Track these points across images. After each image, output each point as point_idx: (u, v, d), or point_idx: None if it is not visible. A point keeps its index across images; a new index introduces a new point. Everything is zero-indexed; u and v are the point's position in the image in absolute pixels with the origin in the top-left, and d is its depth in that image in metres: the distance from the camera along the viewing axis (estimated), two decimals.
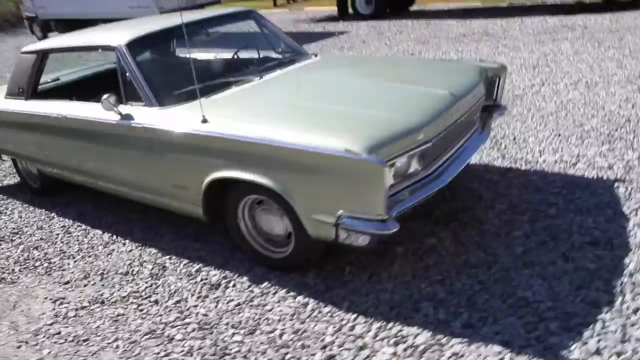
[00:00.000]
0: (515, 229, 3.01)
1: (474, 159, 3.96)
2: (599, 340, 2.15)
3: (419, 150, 2.54)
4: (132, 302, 2.82)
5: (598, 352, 2.09)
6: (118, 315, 2.72)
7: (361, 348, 2.28)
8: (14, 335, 2.70)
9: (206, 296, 2.80)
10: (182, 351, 2.39)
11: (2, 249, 3.61)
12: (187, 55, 4.24)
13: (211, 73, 3.49)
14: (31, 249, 3.54)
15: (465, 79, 3.12)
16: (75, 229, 3.76)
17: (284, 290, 2.74)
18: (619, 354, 2.05)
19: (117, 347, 2.47)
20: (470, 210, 3.26)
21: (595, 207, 3.10)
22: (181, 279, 2.99)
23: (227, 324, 2.54)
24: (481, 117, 3.41)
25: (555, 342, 2.16)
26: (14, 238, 3.74)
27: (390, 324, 2.39)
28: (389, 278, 2.73)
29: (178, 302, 2.78)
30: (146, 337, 2.51)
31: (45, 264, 3.32)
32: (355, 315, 2.49)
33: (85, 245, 3.52)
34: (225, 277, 2.94)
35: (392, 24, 10.53)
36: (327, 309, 2.57)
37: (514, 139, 4.22)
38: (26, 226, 3.89)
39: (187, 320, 2.61)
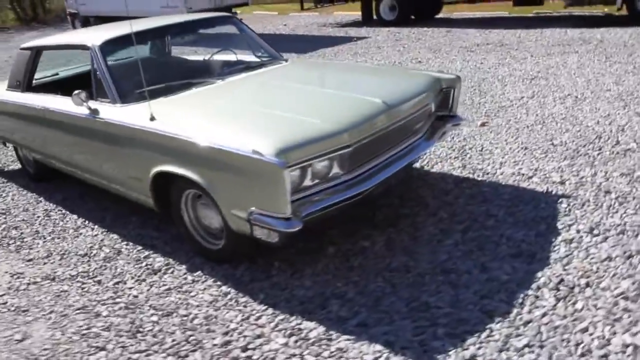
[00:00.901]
0: (447, 237, 3.08)
1: (435, 167, 4.04)
2: (479, 348, 2.22)
3: (337, 155, 2.67)
4: (78, 281, 3.07)
5: (473, 358, 2.17)
6: (61, 292, 2.97)
7: (258, 336, 2.43)
8: None
9: (144, 280, 3.02)
10: (102, 326, 2.60)
11: None
12: (157, 57, 4.54)
13: (178, 74, 3.70)
14: (11, 228, 3.87)
15: (407, 88, 3.22)
16: (56, 212, 4.08)
17: (212, 280, 2.93)
18: None
19: (49, 318, 2.72)
20: (411, 217, 3.35)
21: (532, 221, 3.13)
22: (129, 263, 3.22)
23: (150, 305, 2.75)
24: (434, 126, 3.50)
25: (436, 345, 2.25)
26: (7, 218, 4.10)
27: (293, 317, 2.53)
28: (311, 275, 2.87)
29: (117, 283, 3.01)
30: (77, 311, 2.75)
31: (18, 243, 3.63)
32: (266, 307, 2.65)
33: (58, 227, 3.82)
34: (167, 264, 3.15)
35: (413, 31, 10.55)
36: (243, 299, 2.73)
37: (481, 149, 4.25)
38: (14, 208, 4.24)
39: (117, 300, 2.83)
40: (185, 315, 2.64)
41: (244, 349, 2.36)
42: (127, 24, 4.27)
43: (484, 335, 2.28)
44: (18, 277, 3.17)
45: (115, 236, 3.59)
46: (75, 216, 3.97)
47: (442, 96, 3.56)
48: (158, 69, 4.00)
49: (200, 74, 3.75)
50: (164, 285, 2.94)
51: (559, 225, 3.04)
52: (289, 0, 16.30)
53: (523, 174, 3.74)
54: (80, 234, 3.69)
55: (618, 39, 7.74)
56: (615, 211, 3.10)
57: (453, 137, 4.58)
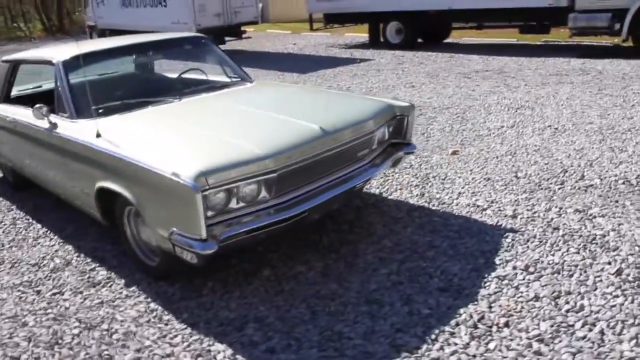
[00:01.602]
0: (384, 266, 3.05)
1: (394, 194, 4.02)
2: None
3: (263, 179, 2.69)
4: (19, 290, 3.13)
5: None
6: (6, 298, 3.05)
7: (168, 355, 2.44)
8: None
9: (81, 292, 3.06)
10: (24, 336, 2.65)
11: None
12: (125, 74, 4.63)
13: (138, 92, 3.79)
14: None
15: (352, 115, 3.23)
16: (22, 221, 4.18)
17: (144, 296, 2.95)
18: None
19: None
20: (355, 244, 3.33)
21: (472, 255, 3.07)
22: (74, 275, 3.27)
23: (77, 318, 2.78)
24: (386, 153, 3.50)
25: None
26: None
27: (207, 339, 2.53)
28: (238, 297, 2.87)
29: (55, 294, 3.06)
30: (6, 320, 2.80)
31: None
32: (186, 326, 2.66)
33: (20, 236, 3.91)
34: (108, 278, 3.19)
35: (417, 55, 10.57)
36: (167, 317, 2.75)
37: (444, 178, 4.21)
38: None
39: (49, 311, 2.88)
40: (106, 330, 2.67)
41: None
42: (100, 41, 4.41)
43: None
44: None
45: (70, 247, 3.66)
46: (39, 225, 4.07)
47: (396, 123, 3.57)
48: (123, 86, 4.11)
49: (162, 92, 3.82)
50: (98, 298, 2.98)
51: (497, 261, 2.98)
52: (304, 20, 16.52)
53: (478, 206, 3.69)
54: (39, 243, 3.77)
55: (618, 71, 7.61)
56: (557, 249, 3.03)
57: (420, 165, 4.56)
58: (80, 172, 3.29)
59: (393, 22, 11.54)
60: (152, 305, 2.86)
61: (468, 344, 2.36)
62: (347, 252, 3.25)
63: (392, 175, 4.37)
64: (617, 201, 3.53)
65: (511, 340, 2.35)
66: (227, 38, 13.14)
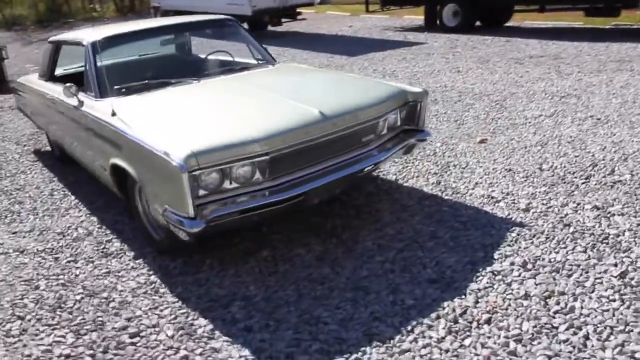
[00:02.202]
0: (380, 254, 3.02)
1: (410, 181, 3.94)
2: None
3: (256, 162, 2.73)
4: (40, 256, 3.38)
5: None
6: (21, 264, 3.29)
7: (154, 326, 2.56)
8: None
9: (93, 261, 3.26)
10: (33, 298, 2.87)
11: (2, 199, 4.47)
12: (144, 56, 4.77)
13: (162, 73, 3.91)
14: (16, 202, 4.31)
15: (356, 100, 3.18)
16: (59, 192, 4.49)
17: (147, 268, 3.10)
18: None
19: None
20: (357, 229, 3.31)
21: (472, 247, 2.97)
22: (91, 244, 3.49)
23: (83, 285, 2.98)
24: (398, 139, 3.43)
25: None
26: (13, 192, 4.58)
27: (193, 313, 2.64)
28: (233, 275, 2.95)
29: (70, 262, 3.27)
30: (22, 282, 3.04)
31: (14, 216, 4.04)
32: (177, 300, 2.77)
33: (54, 206, 4.20)
34: (120, 250, 3.38)
35: (472, 39, 10.14)
36: (163, 290, 2.88)
37: (465, 167, 4.06)
38: (29, 185, 4.71)
39: (60, 277, 3.09)
40: (105, 298, 2.84)
41: (134, 335, 2.50)
42: (129, 24, 4.58)
43: (352, 357, 2.25)
44: None
45: (95, 219, 3.89)
46: (73, 197, 4.35)
47: (408, 109, 3.48)
48: (148, 67, 4.26)
49: (185, 73, 3.92)
50: (106, 268, 3.17)
51: (496, 255, 2.86)
52: (363, 2, 16.30)
53: (492, 197, 3.54)
54: (68, 213, 4.04)
55: None
56: (563, 246, 2.86)
57: (444, 152, 4.43)
58: (99, 148, 3.48)
59: (450, 4, 11.11)
60: (153, 277, 3.01)
61: (443, 338, 2.30)
62: (348, 237, 3.24)
63: (413, 162, 4.29)
64: None
65: (488, 337, 2.28)
66: (283, 20, 13.23)
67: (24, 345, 2.48)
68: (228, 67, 4.07)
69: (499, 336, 2.27)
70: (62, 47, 4.61)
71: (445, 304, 2.52)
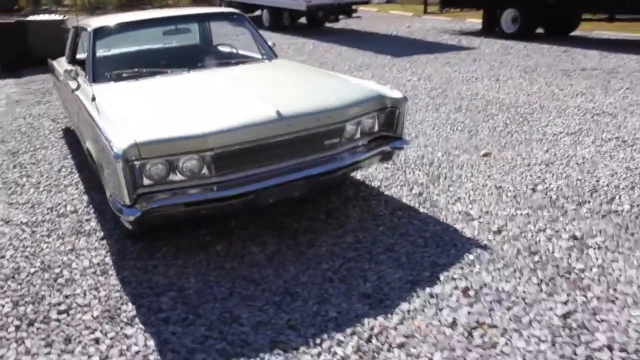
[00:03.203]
0: (328, 262, 2.93)
1: (393, 189, 3.78)
2: None
3: (201, 156, 2.72)
4: (20, 228, 3.57)
5: None
6: (0, 233, 3.51)
7: (85, 305, 2.63)
8: None
9: (63, 238, 3.39)
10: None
11: (15, 171, 4.77)
12: (148, 46, 4.86)
13: (154, 61, 4.01)
14: (25, 176, 4.56)
15: (322, 102, 3.09)
16: (67, 169, 4.71)
17: (107, 249, 3.18)
18: None
19: None
20: (318, 234, 3.23)
21: (421, 266, 2.80)
22: (71, 222, 3.63)
23: (43, 260, 3.10)
24: (371, 145, 3.30)
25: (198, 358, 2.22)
26: (27, 166, 4.85)
27: (125, 298, 2.67)
28: (181, 266, 2.96)
29: (44, 236, 3.43)
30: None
31: (17, 189, 4.29)
32: (119, 283, 2.83)
33: (56, 182, 4.42)
34: (93, 229, 3.48)
35: (528, 47, 9.58)
36: (111, 272, 2.94)
37: (455, 180, 3.84)
38: (44, 160, 4.97)
39: (28, 249, 3.24)
40: (57, 274, 2.95)
41: (62, 312, 2.58)
42: (134, 13, 4.71)
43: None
44: None
45: (86, 198, 4.06)
46: (76, 175, 4.56)
47: (386, 115, 3.34)
48: (148, 56, 4.37)
49: (181, 64, 3.99)
50: (71, 246, 3.28)
51: (442, 277, 2.68)
52: (432, 3, 15.85)
53: (468, 215, 3.32)
54: (65, 191, 4.23)
55: None
56: (518, 276, 2.63)
57: (441, 163, 4.21)
58: (84, 130, 3.63)
59: (509, 9, 10.55)
60: (107, 259, 3.09)
61: (348, 356, 2.19)
62: (306, 241, 3.17)
63: (404, 170, 4.12)
64: (632, 234, 2.95)
65: None
66: (340, 17, 13.17)
67: None
68: (224, 60, 4.10)
69: None
70: (82, 32, 4.85)
71: (367, 321, 2.40)
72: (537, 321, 2.29)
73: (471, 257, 2.84)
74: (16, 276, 2.94)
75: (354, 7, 12.89)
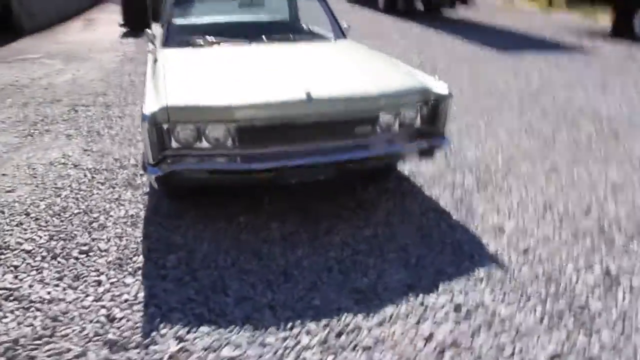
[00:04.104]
0: (336, 251, 2.89)
1: (433, 191, 3.60)
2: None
3: (226, 127, 2.79)
4: (84, 172, 3.93)
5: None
6: (66, 175, 3.89)
7: (104, 250, 2.87)
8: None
9: (114, 187, 3.70)
10: (48, 202, 3.41)
11: (101, 122, 5.24)
12: (215, 16, 4.93)
13: (225, 31, 4.13)
14: (108, 128, 5.04)
15: (361, 89, 3.01)
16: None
17: (145, 204, 3.42)
18: None
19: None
20: (339, 221, 3.19)
21: (427, 271, 2.67)
22: (127, 174, 3.93)
23: (88, 204, 3.41)
24: (412, 139, 3.17)
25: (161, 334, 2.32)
26: (114, 119, 5.31)
27: (140, 250, 2.87)
28: (200, 230, 3.09)
29: (99, 183, 3.76)
30: (53, 188, 3.62)
31: (97, 138, 4.73)
32: (142, 236, 3.03)
33: (134, 138, 4.80)
34: (143, 184, 3.76)
35: None
36: (140, 225, 3.16)
37: (503, 190, 3.55)
38: (133, 118, 5.47)
39: (81, 193, 3.58)
40: (94, 218, 3.24)
41: (83, 252, 2.84)
42: None
43: (214, 332, 2.25)
44: (61, 161, 4.27)
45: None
46: None
47: (430, 109, 3.17)
48: (220, 25, 4.51)
49: (246, 35, 4.08)
50: (118, 195, 3.56)
51: (442, 288, 2.53)
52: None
53: (501, 230, 3.08)
54: (136, 146, 4.54)
55: None
56: (521, 304, 2.40)
57: (497, 169, 3.92)
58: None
59: None
60: (142, 213, 3.31)
61: (311, 347, 2.17)
62: (325, 226, 3.14)
63: (454, 170, 3.90)
64: None
65: None
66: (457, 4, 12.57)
67: (10, 236, 3.02)
68: (289, 36, 4.12)
69: None
70: None
71: (345, 316, 2.35)
72: (520, 356, 2.09)
73: (482, 273, 2.65)
74: (61, 214, 3.29)
75: None
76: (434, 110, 3.18)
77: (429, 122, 3.22)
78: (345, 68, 3.50)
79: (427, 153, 3.29)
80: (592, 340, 2.16)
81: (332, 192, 3.55)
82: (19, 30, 10.61)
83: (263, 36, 4.08)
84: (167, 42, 3.97)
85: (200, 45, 3.90)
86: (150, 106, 2.77)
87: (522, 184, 3.69)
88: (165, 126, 2.78)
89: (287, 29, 4.51)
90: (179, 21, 4.21)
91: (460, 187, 3.66)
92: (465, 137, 4.70)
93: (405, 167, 3.97)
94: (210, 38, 3.97)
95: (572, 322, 2.27)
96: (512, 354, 2.10)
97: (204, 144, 2.88)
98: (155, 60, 3.58)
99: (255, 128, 2.86)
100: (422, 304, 2.44)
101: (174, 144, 2.85)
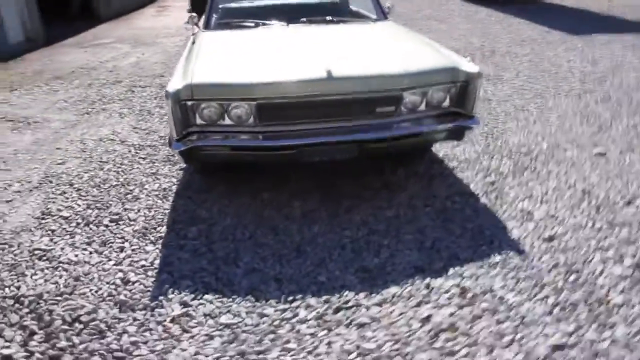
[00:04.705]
0: (353, 230, 2.88)
1: (466, 173, 3.46)
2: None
3: (247, 104, 2.84)
4: (129, 148, 4.15)
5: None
6: (113, 150, 4.14)
7: (132, 220, 3.04)
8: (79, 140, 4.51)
9: (154, 162, 3.89)
10: (91, 175, 3.64)
11: (154, 102, 5.48)
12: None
13: (267, 13, 4.16)
14: (159, 107, 5.28)
15: (385, 67, 2.95)
16: None
17: (179, 179, 3.57)
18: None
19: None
20: (362, 201, 3.17)
21: (439, 254, 2.59)
22: (167, 151, 4.14)
23: (127, 177, 3.61)
24: (440, 120, 3.07)
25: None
26: None
27: (166, 221, 3.01)
28: (225, 205, 3.20)
29: (141, 158, 3.96)
30: (98, 161, 3.86)
31: (148, 117, 4.97)
32: (169, 208, 3.18)
33: None
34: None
35: None
36: (170, 197, 3.31)
37: (539, 175, 3.34)
38: None
39: (122, 167, 3.78)
40: (130, 190, 3.42)
41: (113, 220, 3.02)
42: None
43: (216, 300, 2.33)
44: (113, 135, 4.53)
45: None
46: None
47: (458, 90, 3.05)
48: (262, 8, 4.54)
49: (285, 17, 4.09)
50: (155, 169, 3.73)
51: (451, 272, 2.45)
52: None
53: (530, 215, 2.92)
54: None
55: None
56: (535, 293, 2.27)
57: (539, 154, 3.70)
58: None
59: None
60: (174, 187, 3.45)
61: (307, 320, 2.20)
62: (347, 205, 3.15)
63: (492, 155, 3.73)
64: None
65: (345, 340, 2.07)
66: None
67: (53, 203, 3.27)
68: (329, 18, 4.07)
69: (352, 342, 2.06)
70: None
71: (347, 293, 2.35)
72: (518, 343, 1.99)
73: (497, 259, 2.54)
74: (101, 185, 3.51)
75: None
76: (463, 91, 3.05)
77: (458, 102, 3.10)
78: (374, 48, 3.43)
79: (456, 134, 3.17)
80: (603, 335, 2.02)
81: (359, 173, 3.53)
82: (97, 18, 11.33)
83: (302, 18, 4.08)
84: (209, 24, 4.09)
85: (240, 28, 3.98)
86: (175, 84, 2.87)
87: (563, 170, 3.47)
88: (189, 103, 2.88)
89: (332, 11, 4.45)
90: (222, 4, 4.31)
91: (495, 172, 3.50)
92: (513, 121, 4.47)
93: (440, 150, 3.86)
94: (250, 21, 4.04)
95: (585, 315, 2.13)
96: (512, 340, 2.01)
97: (227, 121, 2.95)
98: (193, 42, 3.70)
99: (276, 105, 2.88)
100: (427, 286, 2.38)
101: (198, 121, 2.94)
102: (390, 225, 2.91)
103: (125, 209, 3.18)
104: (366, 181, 3.43)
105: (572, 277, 2.37)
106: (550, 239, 2.69)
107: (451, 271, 2.47)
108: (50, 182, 3.53)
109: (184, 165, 3.80)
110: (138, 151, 4.09)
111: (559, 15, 10.23)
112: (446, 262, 2.55)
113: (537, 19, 9.65)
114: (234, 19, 4.16)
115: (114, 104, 5.28)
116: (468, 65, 3.07)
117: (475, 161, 3.68)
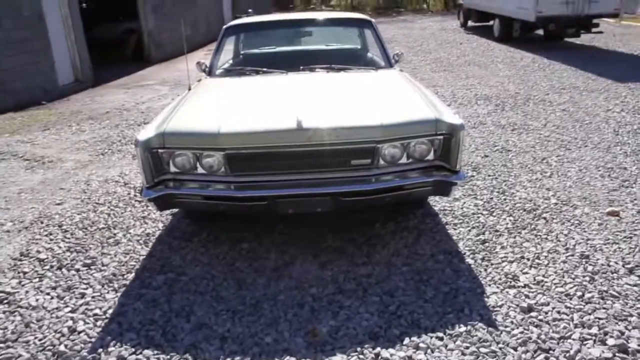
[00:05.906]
0: (317, 286, 2.72)
1: (458, 230, 3.23)
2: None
3: (217, 154, 2.80)
4: (133, 191, 4.24)
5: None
6: (117, 193, 4.23)
7: (103, 265, 3.03)
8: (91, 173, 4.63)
9: (148, 206, 3.92)
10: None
11: None
12: (265, 47, 4.91)
13: (271, 61, 4.16)
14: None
15: (351, 118, 2.86)
16: None
17: (167, 223, 3.56)
18: None
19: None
20: (340, 257, 3.02)
21: (397, 319, 2.35)
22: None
23: (115, 220, 3.65)
24: (424, 173, 2.91)
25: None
26: None
27: (136, 268, 2.98)
28: (201, 254, 3.14)
29: (141, 201, 4.02)
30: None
31: None
32: (146, 255, 3.15)
33: None
34: None
35: None
36: (150, 243, 3.29)
37: (541, 235, 3.04)
38: None
39: (121, 209, 3.85)
40: (113, 235, 3.43)
41: (86, 265, 3.02)
42: (272, 15, 4.96)
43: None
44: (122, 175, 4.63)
45: None
46: None
47: (441, 142, 2.87)
48: (267, 55, 4.57)
49: (291, 65, 4.05)
50: (146, 213, 3.75)
51: (405, 342, 2.21)
52: None
53: (515, 280, 2.64)
54: None
55: None
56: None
57: (544, 211, 3.41)
58: None
59: None
60: (157, 232, 3.44)
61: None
62: (322, 261, 2.99)
63: (493, 210, 3.48)
64: None
65: None
66: (582, 31, 11.32)
67: (36, 244, 3.32)
68: (331, 66, 4.00)
69: None
70: None
71: (287, 359, 2.18)
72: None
73: (462, 329, 2.29)
74: (88, 228, 3.55)
75: (595, 21, 10.93)
76: (445, 143, 2.88)
77: (443, 156, 2.92)
78: (357, 98, 3.31)
79: (441, 190, 2.98)
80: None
81: (349, 224, 3.38)
82: (147, 60, 11.99)
83: (305, 66, 4.05)
84: (212, 71, 4.16)
85: (240, 75, 4.01)
86: (148, 132, 2.89)
87: (566, 230, 3.17)
88: (161, 151, 2.88)
89: (348, 58, 4.40)
90: (245, 50, 4.38)
91: (490, 229, 3.25)
92: (527, 174, 4.18)
93: (438, 203, 3.65)
94: (249, 69, 4.06)
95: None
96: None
97: (200, 170, 2.93)
98: (189, 88, 3.76)
99: (245, 156, 2.83)
100: (377, 356, 2.17)
101: (172, 169, 2.93)
102: (360, 285, 2.73)
103: (103, 254, 3.19)
104: (353, 234, 3.28)
105: (540, 357, 2.09)
106: (529, 309, 2.41)
107: (406, 341, 2.25)
108: (42, 222, 3.63)
109: (175, 210, 3.80)
110: (137, 194, 4.15)
111: (609, 62, 9.75)
112: (405, 329, 2.33)
113: (585, 66, 9.22)
114: (246, 65, 4.20)
115: (131, 145, 5.45)
116: (451, 117, 2.90)
117: (472, 217, 3.44)
